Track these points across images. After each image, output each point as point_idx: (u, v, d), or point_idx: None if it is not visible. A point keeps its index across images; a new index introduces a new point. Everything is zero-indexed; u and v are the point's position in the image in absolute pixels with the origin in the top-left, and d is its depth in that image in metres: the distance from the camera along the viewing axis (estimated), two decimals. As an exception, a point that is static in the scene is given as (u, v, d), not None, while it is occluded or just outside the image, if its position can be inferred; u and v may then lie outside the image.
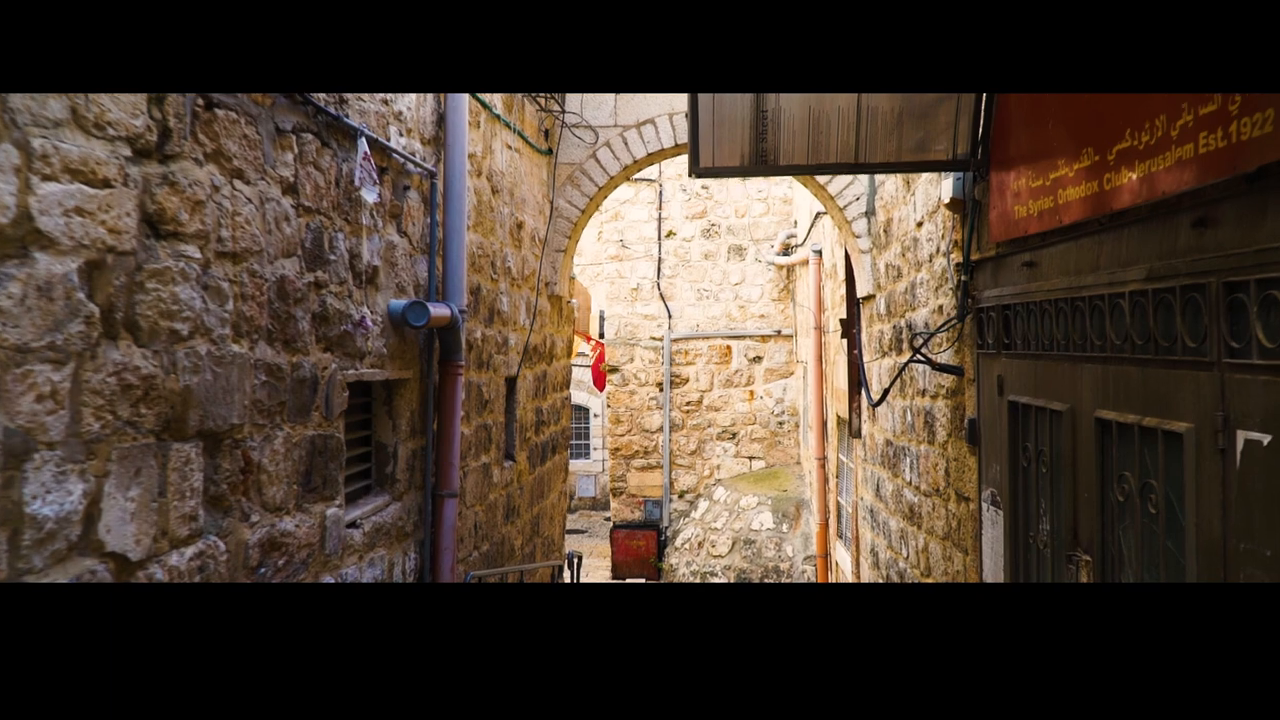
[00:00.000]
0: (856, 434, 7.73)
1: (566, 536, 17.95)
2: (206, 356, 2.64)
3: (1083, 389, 3.24)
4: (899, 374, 5.69)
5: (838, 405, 9.04)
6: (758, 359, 13.09)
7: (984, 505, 4.34)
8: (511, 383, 6.12)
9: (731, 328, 13.08)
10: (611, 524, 13.33)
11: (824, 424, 10.12)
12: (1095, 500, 3.15)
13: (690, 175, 4.55)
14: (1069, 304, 3.32)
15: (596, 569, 14.20)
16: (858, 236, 6.95)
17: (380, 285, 3.88)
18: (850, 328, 7.70)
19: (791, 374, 13.08)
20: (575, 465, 20.57)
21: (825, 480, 10.07)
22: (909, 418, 5.89)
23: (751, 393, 13.08)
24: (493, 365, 5.60)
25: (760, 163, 4.49)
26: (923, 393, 5.48)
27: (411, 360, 4.26)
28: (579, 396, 20.23)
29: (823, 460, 10.10)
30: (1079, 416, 3.27)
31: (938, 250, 5.12)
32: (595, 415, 20.54)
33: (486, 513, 5.52)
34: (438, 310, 4.17)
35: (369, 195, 3.60)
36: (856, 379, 7.75)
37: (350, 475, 3.86)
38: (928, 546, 5.46)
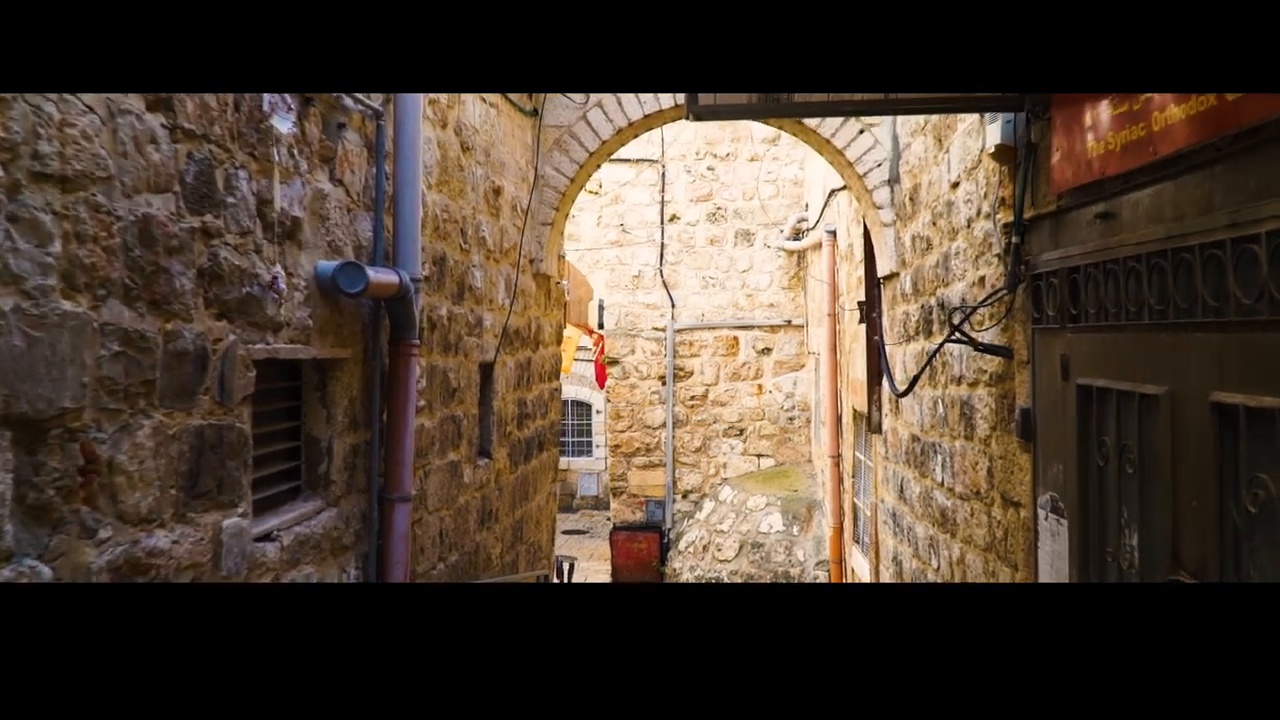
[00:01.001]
0: (876, 429, 7.00)
1: (566, 538, 17.26)
2: (14, 315, 1.92)
3: (1189, 366, 2.50)
4: (929, 360, 4.96)
5: (854, 398, 8.30)
6: (766, 350, 12.35)
7: (1041, 513, 3.61)
8: (487, 369, 5.40)
9: (739, 317, 12.34)
10: (611, 526, 12.61)
11: (838, 419, 9.39)
12: (1209, 511, 2.41)
13: (687, 118, 3.83)
14: (1168, 258, 2.59)
15: (596, 573, 13.48)
16: (879, 208, 6.21)
17: (305, 242, 3.16)
18: (869, 311, 6.96)
19: (803, 366, 12.33)
20: (577, 463, 19.88)
21: (840, 480, 9.34)
22: (940, 409, 5.15)
23: (760, 386, 12.34)
24: (463, 348, 4.89)
25: (771, 101, 3.77)
26: (958, 380, 4.74)
27: (351, 337, 3.54)
28: (581, 392, 19.54)
29: (837, 458, 9.37)
30: (1184, 401, 2.53)
31: (978, 213, 4.38)
32: (598, 411, 19.81)
33: (455, 518, 4.81)
34: (381, 276, 3.45)
35: (281, 125, 2.88)
36: (876, 368, 7.01)
37: (268, 476, 3.15)
38: (964, 558, 4.72)
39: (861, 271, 7.69)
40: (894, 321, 6.37)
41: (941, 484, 5.16)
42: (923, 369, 4.96)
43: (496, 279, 5.51)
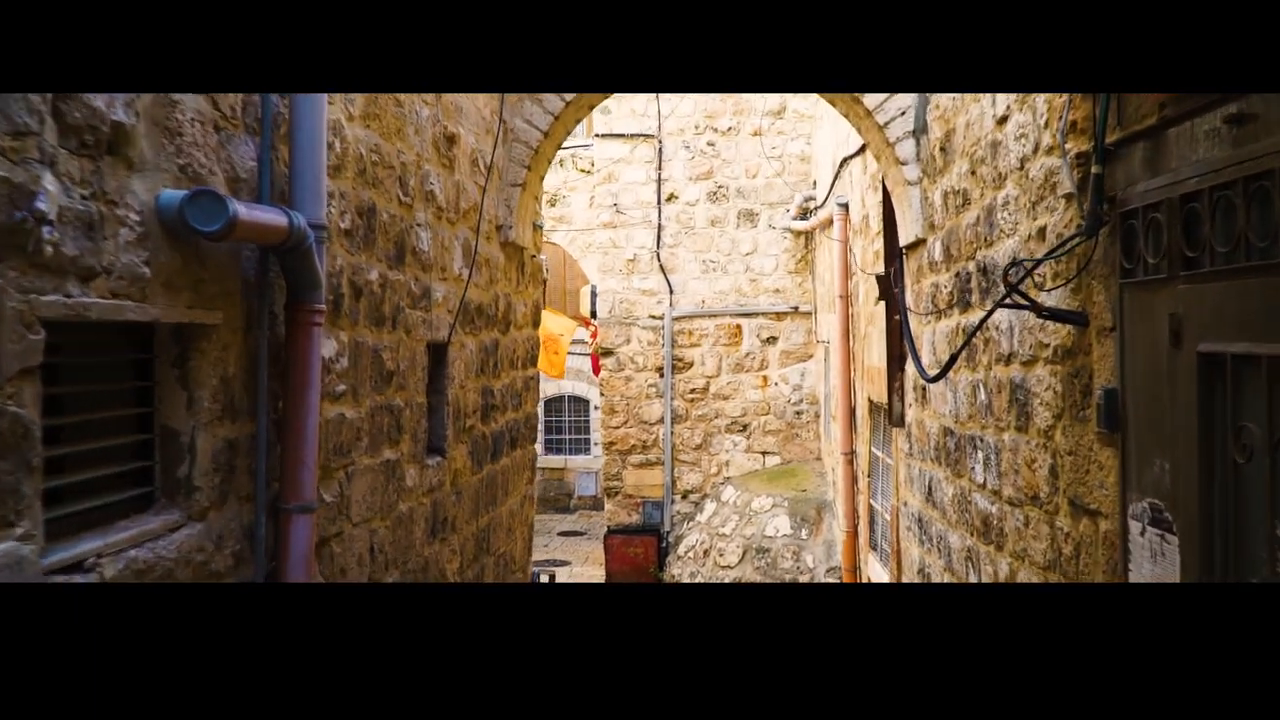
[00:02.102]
0: (898, 422, 6.13)
1: (563, 540, 16.38)
2: None
3: None
4: (970, 336, 4.09)
5: (870, 388, 7.43)
6: (772, 340, 11.47)
7: (1133, 525, 2.75)
8: (439, 351, 4.54)
9: (742, 304, 11.46)
10: (606, 529, 11.75)
11: (852, 412, 8.51)
12: None
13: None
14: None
15: (591, 579, 12.62)
16: (903, 164, 5.34)
17: (140, 162, 2.31)
18: (889, 288, 6.09)
19: (811, 356, 11.46)
20: (575, 462, 19.03)
21: (854, 480, 8.47)
22: (982, 396, 4.28)
23: (765, 378, 11.46)
24: (404, 323, 4.03)
25: None
26: (1007, 358, 3.88)
27: (224, 297, 2.68)
28: (579, 387, 18.70)
29: (850, 455, 8.50)
30: None
31: (1035, 148, 3.51)
32: (596, 407, 18.95)
33: (393, 529, 3.95)
34: (258, 215, 2.60)
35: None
36: (897, 352, 6.14)
37: (89, 482, 2.30)
38: (1016, 576, 3.85)
39: (879, 245, 6.82)
40: (919, 296, 5.50)
41: (983, 485, 4.30)
42: (961, 347, 4.09)
43: (451, 244, 4.64)
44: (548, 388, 18.82)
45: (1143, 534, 2.69)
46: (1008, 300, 3.31)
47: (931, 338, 5.26)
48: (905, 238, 5.59)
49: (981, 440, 4.31)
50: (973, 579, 4.51)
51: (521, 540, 6.10)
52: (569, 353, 17.22)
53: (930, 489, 5.36)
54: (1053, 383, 3.36)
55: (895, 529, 6.40)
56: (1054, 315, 3.16)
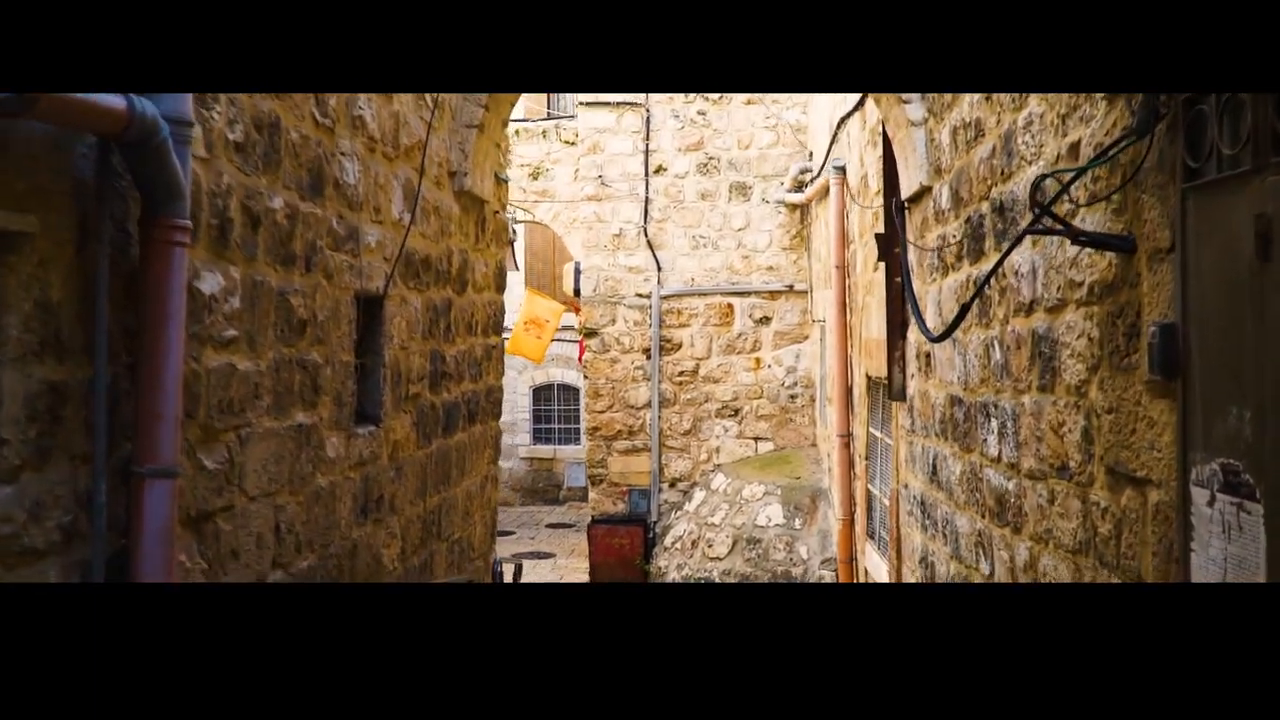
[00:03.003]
0: (898, 395, 5.56)
1: (550, 532, 15.81)
2: None
3: None
4: (981, 286, 3.52)
5: (869, 362, 6.86)
6: (765, 320, 10.88)
7: (1198, 493, 2.17)
8: (373, 304, 3.96)
9: (734, 282, 10.87)
10: (590, 518, 11.17)
11: (848, 391, 7.94)
12: None
13: None
14: None
15: (575, 571, 12.07)
16: (905, 102, 4.76)
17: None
18: (890, 248, 5.52)
19: (806, 338, 10.88)
20: (565, 452, 18.43)
21: (850, 464, 7.90)
22: (997, 355, 3.71)
23: (758, 360, 10.88)
24: (322, 265, 3.45)
25: None
26: (1028, 308, 3.30)
27: (39, 197, 2.10)
28: (568, 375, 18.11)
29: (847, 438, 7.92)
30: None
31: (1066, 51, 2.93)
32: (586, 396, 18.39)
33: (309, 506, 3.37)
34: (80, 93, 2.01)
35: None
36: (899, 319, 5.57)
37: None
38: (1036, 563, 3.28)
39: (879, 204, 6.24)
40: (924, 254, 4.93)
41: (998, 459, 3.73)
42: (971, 300, 3.51)
43: (389, 184, 4.06)
44: (536, 375, 18.25)
45: (1210, 503, 2.12)
46: (1039, 225, 2.73)
47: (937, 297, 4.69)
48: (908, 188, 5.01)
49: (996, 407, 3.74)
50: (984, 567, 3.94)
51: (482, 525, 5.52)
52: (558, 339, 16.67)
53: (935, 468, 4.79)
54: (1087, 328, 2.79)
55: (895, 515, 5.83)
56: (1094, 241, 2.58)
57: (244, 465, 2.93)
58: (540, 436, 18.58)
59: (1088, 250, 2.71)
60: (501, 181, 5.76)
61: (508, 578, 5.71)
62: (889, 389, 5.75)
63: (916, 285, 5.02)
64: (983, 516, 3.98)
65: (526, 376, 18.04)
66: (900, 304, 5.49)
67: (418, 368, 4.43)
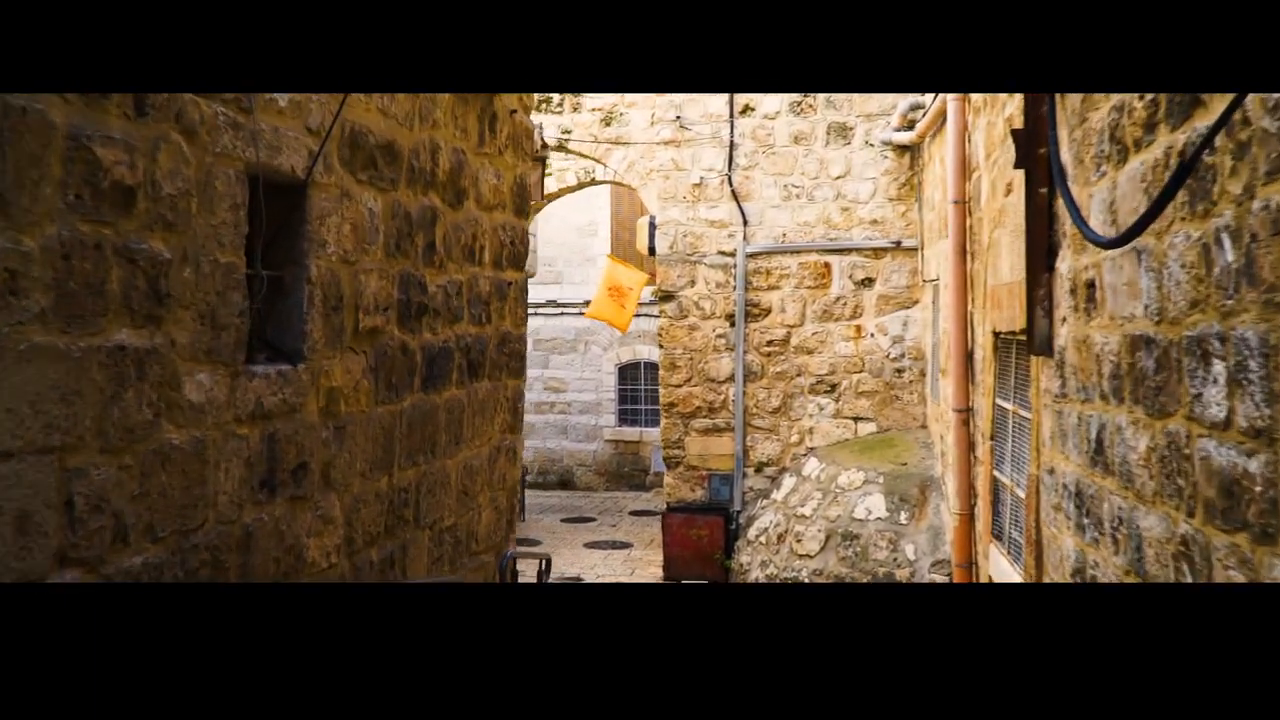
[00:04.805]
0: (1043, 348, 4.13)
1: (633, 520, 14.60)
2: None
3: None
4: (1195, 156, 2.14)
5: (996, 315, 5.42)
6: (867, 281, 9.42)
7: None
8: (287, 192, 2.81)
9: (831, 238, 9.43)
10: (665, 505, 9.95)
11: (968, 356, 6.48)
12: None
13: None
14: None
15: (652, 565, 10.86)
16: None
17: None
18: (1032, 146, 4.07)
19: (915, 303, 9.37)
20: (651, 434, 17.21)
21: (970, 445, 6.44)
22: (1228, 254, 2.30)
23: (858, 328, 9.43)
24: (177, 114, 2.30)
25: None
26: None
27: None
28: (655, 353, 16.88)
29: (965, 413, 6.47)
30: None
31: None
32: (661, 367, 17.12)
33: (145, 474, 2.24)
34: None
35: None
36: (1043, 245, 4.13)
37: None
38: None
39: (1014, 107, 4.80)
40: (1085, 145, 3.51)
41: (1225, 423, 2.33)
42: (1186, 167, 2.11)
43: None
44: (622, 353, 17.13)
45: None
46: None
47: (1108, 197, 3.27)
48: (1062, 55, 3.57)
49: (1225, 340, 2.33)
50: (1194, 593, 2.53)
51: (491, 510, 4.34)
52: (645, 314, 15.47)
53: (1099, 444, 3.38)
54: None
55: (1033, 510, 4.41)
56: None
57: (-18, 400, 1.81)
58: (626, 418, 17.45)
59: None
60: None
61: (528, 576, 4.54)
62: (1029, 342, 4.32)
63: (1074, 190, 3.60)
64: (1190, 515, 2.57)
65: (612, 354, 16.94)
66: (1046, 224, 4.06)
67: (376, 293, 3.27)
